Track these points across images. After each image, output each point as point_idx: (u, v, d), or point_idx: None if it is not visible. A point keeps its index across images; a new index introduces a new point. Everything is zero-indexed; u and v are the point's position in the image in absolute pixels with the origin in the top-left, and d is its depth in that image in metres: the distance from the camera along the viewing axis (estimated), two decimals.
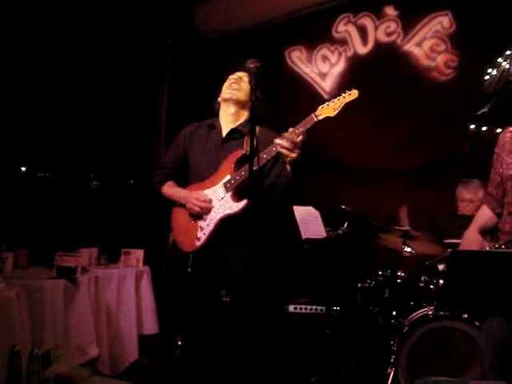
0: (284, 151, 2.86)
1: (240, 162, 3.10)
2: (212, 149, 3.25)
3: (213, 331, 3.13)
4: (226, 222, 3.09)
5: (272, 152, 2.94)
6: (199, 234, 3.11)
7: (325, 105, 2.95)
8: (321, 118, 2.93)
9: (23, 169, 4.94)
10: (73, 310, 3.58)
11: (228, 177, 3.10)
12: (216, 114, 3.38)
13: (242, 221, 3.05)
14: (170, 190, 3.34)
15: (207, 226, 3.11)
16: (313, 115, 2.94)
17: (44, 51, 4.70)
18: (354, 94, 2.95)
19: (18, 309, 2.95)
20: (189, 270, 3.12)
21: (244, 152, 3.10)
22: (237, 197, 3.08)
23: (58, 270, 3.61)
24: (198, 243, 3.11)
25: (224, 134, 3.26)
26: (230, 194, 3.08)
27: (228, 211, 3.07)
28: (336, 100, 2.95)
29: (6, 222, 4.10)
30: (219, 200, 3.10)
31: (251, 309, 3.10)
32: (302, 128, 2.90)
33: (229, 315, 3.10)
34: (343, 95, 2.95)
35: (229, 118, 3.28)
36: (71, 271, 3.62)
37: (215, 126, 3.31)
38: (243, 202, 3.04)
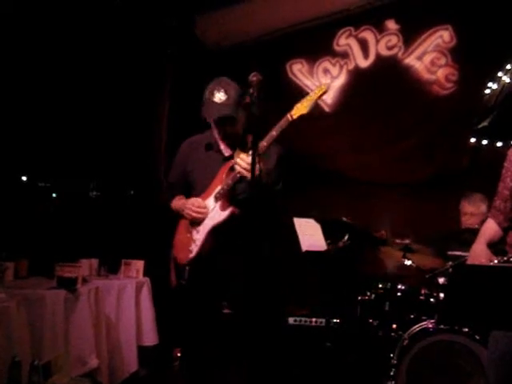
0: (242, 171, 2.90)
1: (232, 171, 3.05)
2: (214, 167, 3.17)
3: (211, 343, 3.12)
4: (216, 232, 3.08)
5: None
6: (192, 247, 3.12)
7: (299, 104, 2.94)
8: (295, 117, 2.92)
9: (24, 178, 4.93)
10: (73, 320, 3.57)
11: (219, 187, 3.08)
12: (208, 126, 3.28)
13: (233, 231, 3.03)
14: (178, 202, 3.29)
15: (199, 238, 3.11)
16: (288, 115, 2.94)
17: (45, 59, 4.71)
18: (323, 88, 2.97)
19: (18, 319, 2.95)
20: (183, 282, 3.13)
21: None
22: (225, 206, 3.07)
23: (59, 280, 3.61)
24: (191, 255, 3.11)
25: (225, 153, 3.20)
26: (219, 203, 3.07)
27: (215, 221, 3.06)
28: (308, 97, 2.95)
29: (7, 231, 4.09)
30: (211, 211, 3.09)
31: (251, 321, 3.09)
32: (270, 137, 2.91)
33: (228, 327, 3.09)
34: (313, 91, 2.97)
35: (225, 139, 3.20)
36: (71, 282, 3.61)
37: (212, 145, 3.24)
38: (228, 211, 3.03)
